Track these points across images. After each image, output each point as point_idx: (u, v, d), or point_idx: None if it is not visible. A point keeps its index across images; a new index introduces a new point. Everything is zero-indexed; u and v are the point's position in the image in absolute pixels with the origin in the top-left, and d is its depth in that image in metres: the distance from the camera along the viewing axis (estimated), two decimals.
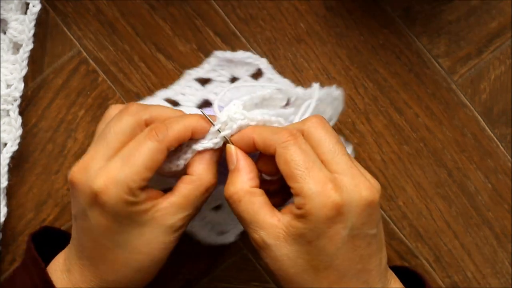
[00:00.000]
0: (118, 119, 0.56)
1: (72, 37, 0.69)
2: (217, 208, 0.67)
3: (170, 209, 0.56)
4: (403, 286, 0.58)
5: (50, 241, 0.62)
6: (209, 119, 0.57)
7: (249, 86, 0.63)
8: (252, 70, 0.68)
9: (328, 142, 0.55)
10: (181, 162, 0.57)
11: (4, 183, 0.67)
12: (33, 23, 0.66)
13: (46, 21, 0.69)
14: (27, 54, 0.67)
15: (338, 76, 0.69)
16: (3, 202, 0.67)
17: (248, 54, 0.67)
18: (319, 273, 0.54)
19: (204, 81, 0.69)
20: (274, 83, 0.67)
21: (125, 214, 0.54)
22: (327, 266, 0.54)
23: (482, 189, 0.69)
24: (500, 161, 0.70)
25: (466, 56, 0.70)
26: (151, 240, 0.56)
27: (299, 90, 0.61)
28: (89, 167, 0.54)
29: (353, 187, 0.53)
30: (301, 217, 0.53)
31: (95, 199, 0.54)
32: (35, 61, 0.69)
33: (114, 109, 0.59)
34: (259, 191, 0.56)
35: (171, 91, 0.68)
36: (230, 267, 0.69)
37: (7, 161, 0.66)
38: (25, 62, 0.67)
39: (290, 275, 0.54)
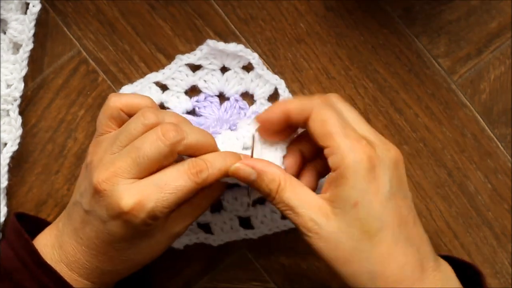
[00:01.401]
0: (152, 143, 0.55)
1: (72, 37, 0.69)
2: None
3: (180, 218, 0.59)
4: (446, 262, 0.58)
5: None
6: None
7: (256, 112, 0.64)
8: (244, 62, 0.68)
9: (352, 112, 0.58)
10: None
11: (4, 183, 0.67)
12: (33, 23, 0.66)
13: (46, 21, 0.69)
14: (27, 54, 0.67)
15: (338, 76, 0.69)
16: (3, 202, 0.67)
17: (240, 47, 0.67)
18: (374, 238, 0.55)
19: (194, 67, 0.69)
20: (264, 79, 0.68)
21: (143, 231, 0.57)
22: (379, 228, 0.55)
23: (482, 189, 0.69)
24: (500, 161, 0.70)
25: (466, 56, 0.70)
26: (156, 245, 0.59)
27: None
28: (117, 181, 0.55)
29: (382, 146, 0.56)
30: (340, 178, 0.54)
31: (120, 215, 0.55)
32: (35, 61, 0.69)
33: (114, 101, 0.59)
34: (293, 176, 0.58)
35: (161, 75, 0.68)
36: (230, 267, 0.69)
37: (7, 161, 0.66)
38: (25, 62, 0.67)
39: (347, 251, 0.55)
